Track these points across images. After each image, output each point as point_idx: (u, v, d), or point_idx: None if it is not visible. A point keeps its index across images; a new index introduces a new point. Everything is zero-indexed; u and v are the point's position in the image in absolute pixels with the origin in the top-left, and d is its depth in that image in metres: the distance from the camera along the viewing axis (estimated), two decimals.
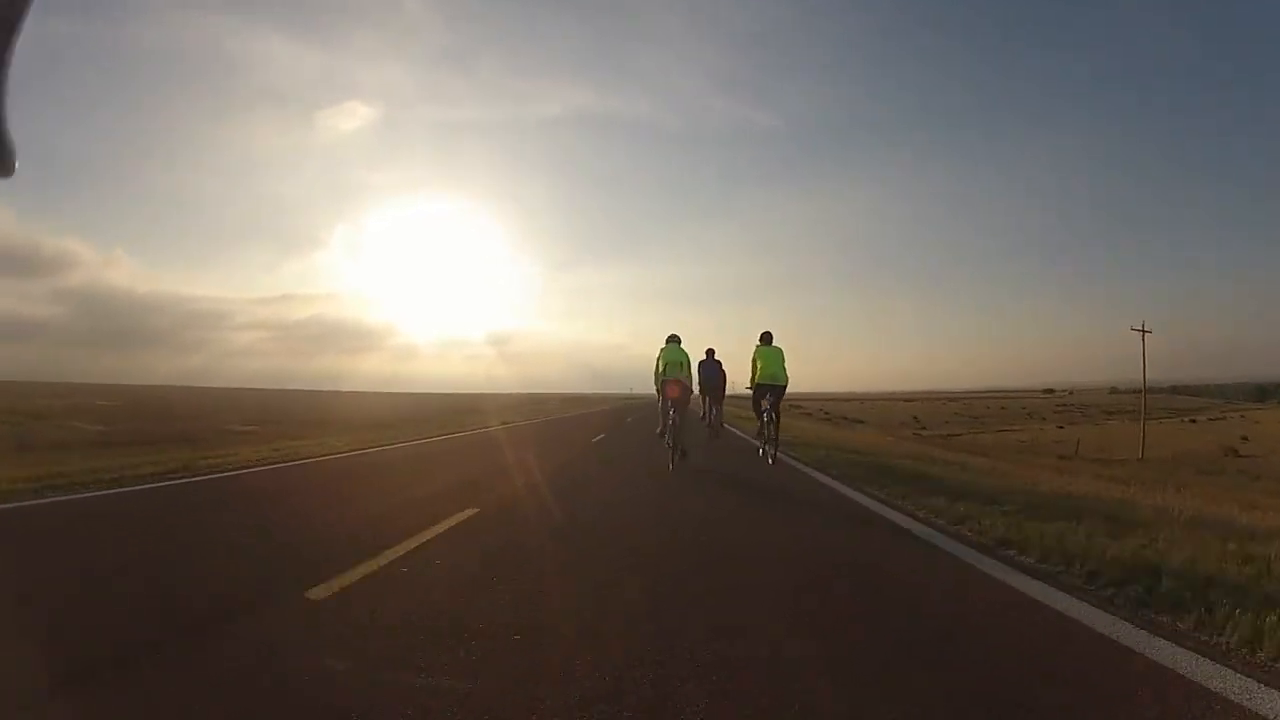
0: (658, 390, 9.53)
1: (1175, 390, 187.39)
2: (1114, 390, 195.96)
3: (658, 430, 9.86)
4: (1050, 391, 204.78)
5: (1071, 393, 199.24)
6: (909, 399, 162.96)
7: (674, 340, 9.52)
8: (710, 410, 14.82)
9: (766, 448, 9.78)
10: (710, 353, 14.15)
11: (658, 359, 9.45)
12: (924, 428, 57.44)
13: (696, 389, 16.33)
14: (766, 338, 9.71)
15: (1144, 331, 37.98)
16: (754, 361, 9.62)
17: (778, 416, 9.64)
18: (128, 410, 45.65)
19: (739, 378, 15.88)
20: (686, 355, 9.49)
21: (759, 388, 9.57)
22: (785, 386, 9.64)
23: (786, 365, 9.69)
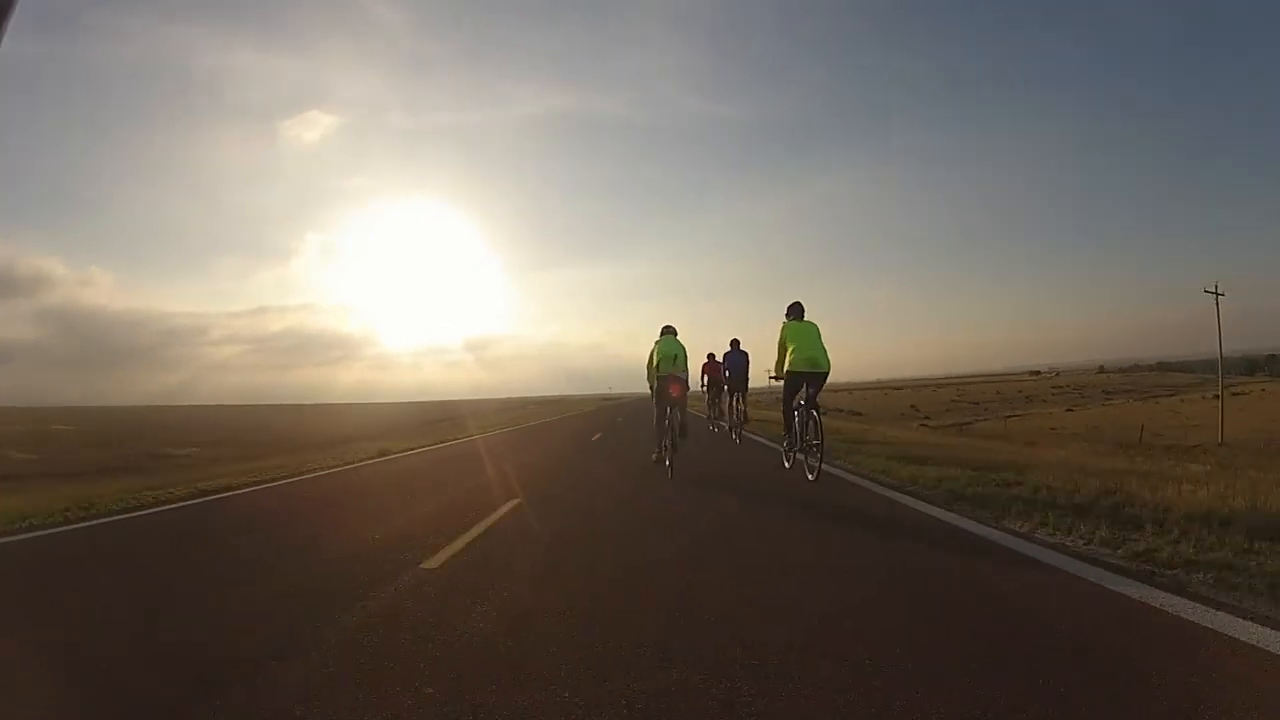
0: (652, 388, 8.57)
1: (1163, 366, 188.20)
2: (1102, 369, 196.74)
3: (653, 457, 8.73)
4: (1037, 373, 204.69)
5: (1058, 374, 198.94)
6: (897, 387, 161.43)
7: (669, 332, 8.70)
8: (735, 408, 13.39)
9: (801, 457, 7.54)
10: (735, 343, 13.22)
11: (651, 352, 8.54)
12: (927, 417, 54.63)
13: (697, 385, 14.40)
14: (797, 310, 7.64)
15: (1218, 294, 34.64)
16: (782, 343, 7.53)
17: (819, 415, 7.25)
18: (78, 436, 43.02)
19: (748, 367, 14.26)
20: (683, 348, 8.55)
21: (793, 376, 7.39)
22: (828, 374, 7.42)
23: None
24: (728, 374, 13.33)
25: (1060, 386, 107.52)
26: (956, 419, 51.29)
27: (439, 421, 35.22)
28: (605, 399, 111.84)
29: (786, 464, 8.10)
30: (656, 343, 8.58)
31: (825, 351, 7.34)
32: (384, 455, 13.29)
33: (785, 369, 7.47)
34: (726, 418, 14.02)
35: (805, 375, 7.31)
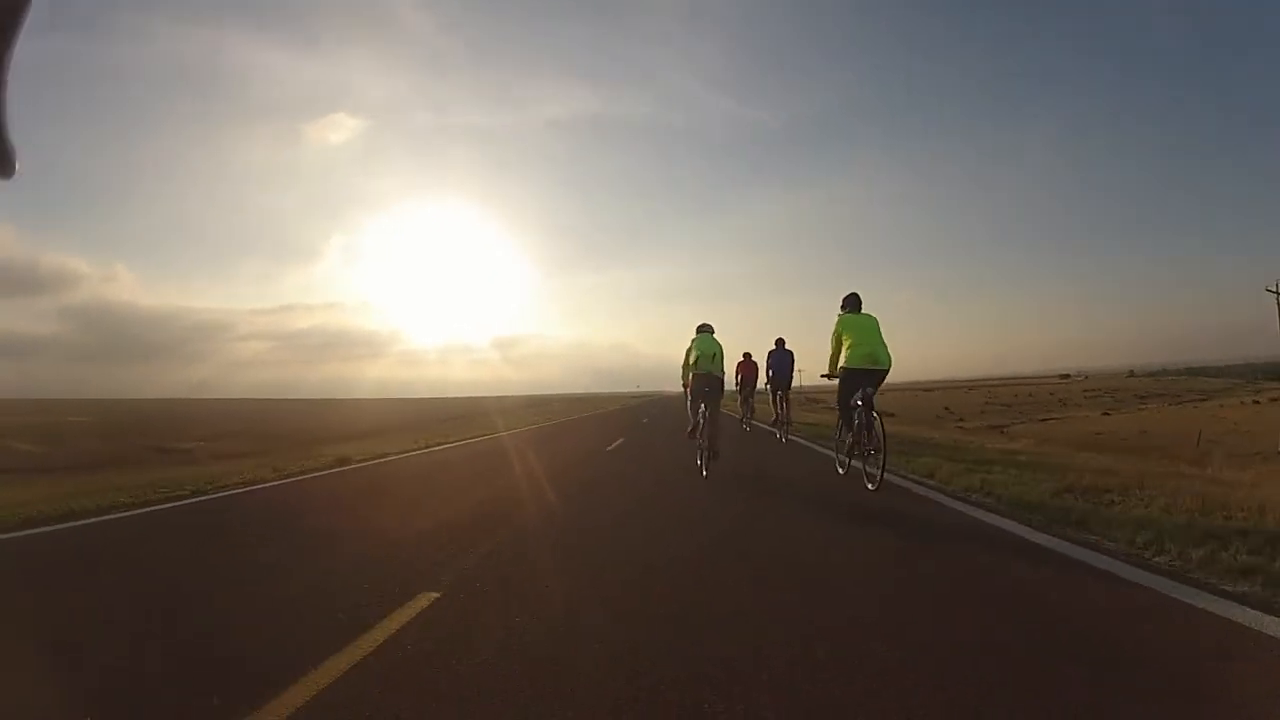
0: (686, 385, 8.54)
1: (1190, 371, 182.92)
2: (1132, 374, 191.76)
3: (688, 430, 8.67)
4: (1066, 376, 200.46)
5: (1087, 377, 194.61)
6: (928, 389, 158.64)
7: (706, 330, 8.55)
8: (780, 409, 13.15)
9: (858, 464, 6.97)
10: (780, 342, 12.97)
11: (688, 350, 8.47)
12: (961, 419, 52.88)
13: (732, 384, 13.94)
14: (853, 301, 7.09)
15: (1279, 293, 33.06)
16: (837, 337, 6.97)
17: (879, 416, 6.57)
18: (92, 427, 42.75)
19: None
20: (720, 346, 8.43)
21: (850, 374, 6.78)
22: (888, 371, 6.80)
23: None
24: (772, 373, 13.01)
25: (1092, 390, 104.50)
26: (989, 421, 49.38)
27: (450, 419, 34.18)
28: (633, 396, 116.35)
29: (841, 470, 7.56)
30: (693, 340, 8.45)
31: (885, 346, 6.76)
32: (342, 464, 10.75)
33: (841, 365, 6.84)
34: (772, 417, 13.79)
35: (864, 373, 6.72)
